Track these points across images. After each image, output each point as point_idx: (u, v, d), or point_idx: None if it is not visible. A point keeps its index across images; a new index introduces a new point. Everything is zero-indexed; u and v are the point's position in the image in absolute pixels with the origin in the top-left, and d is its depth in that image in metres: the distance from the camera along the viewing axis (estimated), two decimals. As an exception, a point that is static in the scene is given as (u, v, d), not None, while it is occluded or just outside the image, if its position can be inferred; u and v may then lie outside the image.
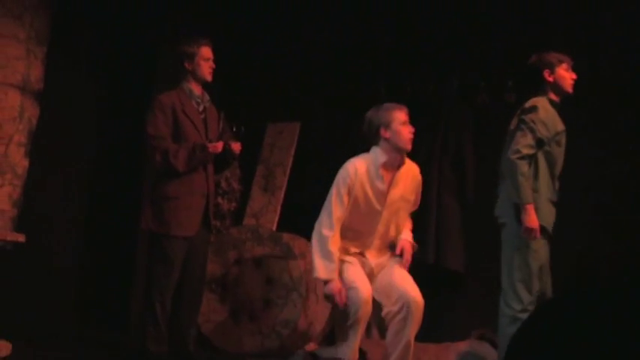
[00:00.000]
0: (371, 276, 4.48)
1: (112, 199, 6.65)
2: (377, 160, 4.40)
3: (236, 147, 4.88)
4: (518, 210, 4.31)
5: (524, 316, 4.05)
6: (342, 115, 6.33)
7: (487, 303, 4.94)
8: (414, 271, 4.54)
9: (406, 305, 4.27)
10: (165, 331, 4.77)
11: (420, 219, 5.05)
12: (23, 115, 5.91)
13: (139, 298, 5.91)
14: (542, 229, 4.32)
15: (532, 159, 4.35)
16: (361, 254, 4.53)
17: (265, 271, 5.84)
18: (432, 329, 4.91)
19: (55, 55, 6.10)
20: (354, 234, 4.50)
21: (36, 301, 6.06)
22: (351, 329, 4.28)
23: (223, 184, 6.44)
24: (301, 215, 6.41)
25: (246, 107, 6.42)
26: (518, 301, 4.31)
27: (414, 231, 4.71)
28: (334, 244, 4.37)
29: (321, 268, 4.36)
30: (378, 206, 4.43)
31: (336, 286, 4.32)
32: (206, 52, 4.89)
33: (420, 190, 4.64)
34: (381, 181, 4.40)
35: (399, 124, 4.36)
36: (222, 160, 4.96)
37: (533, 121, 4.33)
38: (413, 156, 4.65)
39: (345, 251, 4.51)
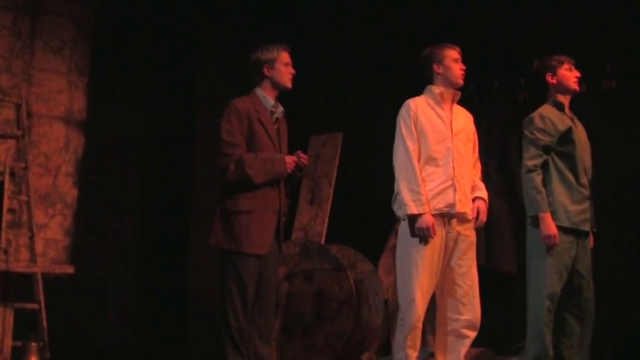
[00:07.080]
0: (447, 252, 4.37)
1: (161, 222, 6.73)
2: (432, 93, 4.50)
3: (304, 159, 4.65)
4: (536, 220, 4.46)
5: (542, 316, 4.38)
6: (383, 120, 6.29)
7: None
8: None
9: (462, 328, 4.36)
10: (243, 351, 4.47)
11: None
12: (69, 145, 6.05)
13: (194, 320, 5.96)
14: (564, 229, 4.43)
15: (544, 167, 4.49)
16: (448, 209, 4.34)
17: (315, 285, 5.84)
18: (484, 335, 4.83)
19: (98, 85, 6.24)
20: (433, 166, 4.38)
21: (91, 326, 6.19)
22: (406, 340, 4.27)
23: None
24: (349, 226, 6.43)
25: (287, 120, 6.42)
26: (534, 304, 4.47)
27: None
28: (420, 174, 4.32)
29: (411, 203, 4.27)
30: (445, 129, 4.43)
31: (428, 220, 4.24)
32: (286, 56, 4.65)
33: (476, 135, 4.66)
34: (440, 107, 4.47)
35: (451, 60, 4.50)
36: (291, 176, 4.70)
37: (532, 133, 4.52)
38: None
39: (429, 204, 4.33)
